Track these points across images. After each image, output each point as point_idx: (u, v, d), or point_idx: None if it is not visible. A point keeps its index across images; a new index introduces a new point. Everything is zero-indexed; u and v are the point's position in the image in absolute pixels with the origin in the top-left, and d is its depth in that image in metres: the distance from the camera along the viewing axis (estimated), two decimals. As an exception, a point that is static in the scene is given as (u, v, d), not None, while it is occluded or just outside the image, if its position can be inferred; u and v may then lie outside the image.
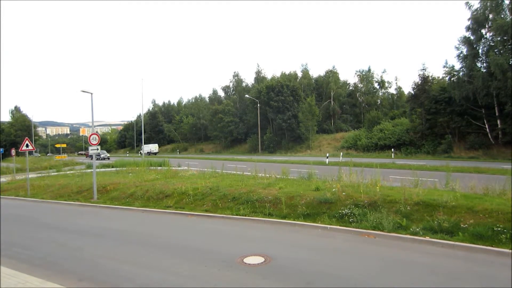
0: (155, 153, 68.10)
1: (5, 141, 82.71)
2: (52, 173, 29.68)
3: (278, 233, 9.62)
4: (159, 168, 25.76)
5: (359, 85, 66.14)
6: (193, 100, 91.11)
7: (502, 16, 32.63)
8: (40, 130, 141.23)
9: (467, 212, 8.94)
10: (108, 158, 50.87)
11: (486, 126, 35.21)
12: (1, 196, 20.18)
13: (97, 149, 17.34)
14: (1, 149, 50.49)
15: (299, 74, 69.78)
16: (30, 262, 7.88)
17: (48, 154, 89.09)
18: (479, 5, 34.31)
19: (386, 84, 65.57)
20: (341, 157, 36.43)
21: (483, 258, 7.22)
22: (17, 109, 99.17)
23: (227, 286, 6.16)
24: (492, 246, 7.53)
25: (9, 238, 10.24)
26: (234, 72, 78.74)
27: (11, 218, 13.76)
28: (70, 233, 10.74)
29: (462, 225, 8.46)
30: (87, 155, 63.12)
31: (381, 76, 65.61)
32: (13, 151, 30.41)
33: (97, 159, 34.63)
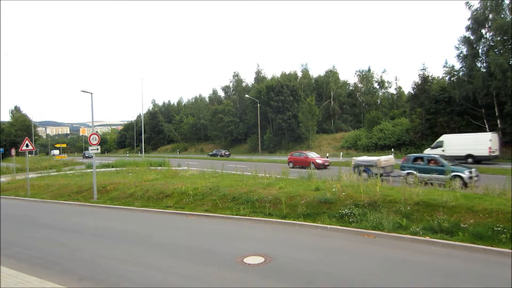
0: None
1: (5, 141, 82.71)
2: (52, 173, 29.69)
3: (278, 233, 9.62)
4: (159, 168, 25.78)
5: (359, 85, 66.06)
6: (193, 100, 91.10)
7: (502, 16, 32.60)
8: (40, 130, 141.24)
9: (467, 212, 8.94)
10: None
11: (486, 126, 35.17)
12: (2, 196, 20.19)
13: (97, 149, 17.31)
14: (1, 149, 50.58)
15: (299, 74, 69.80)
16: (30, 261, 7.88)
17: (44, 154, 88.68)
18: (479, 5, 34.29)
19: (386, 84, 65.53)
20: (341, 157, 36.46)
21: (483, 258, 7.22)
22: (17, 109, 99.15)
23: (227, 286, 6.16)
24: (492, 246, 7.53)
25: (9, 237, 10.25)
26: (234, 72, 78.78)
27: (11, 218, 13.76)
28: (70, 233, 10.75)
29: (462, 225, 8.46)
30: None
31: (381, 76, 65.61)
32: (13, 151, 30.45)
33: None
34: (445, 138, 30.78)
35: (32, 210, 15.85)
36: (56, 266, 7.52)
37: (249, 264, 7.17)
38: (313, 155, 30.49)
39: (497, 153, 27.71)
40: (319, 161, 28.04)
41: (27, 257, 8.27)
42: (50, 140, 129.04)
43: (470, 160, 27.64)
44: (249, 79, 79.87)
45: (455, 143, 29.45)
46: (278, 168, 18.23)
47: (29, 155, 24.15)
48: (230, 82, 77.03)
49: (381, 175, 15.46)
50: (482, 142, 27.70)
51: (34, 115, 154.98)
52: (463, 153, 28.05)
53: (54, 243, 9.50)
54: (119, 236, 10.11)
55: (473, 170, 15.91)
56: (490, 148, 27.05)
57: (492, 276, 6.36)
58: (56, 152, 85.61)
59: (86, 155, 64.60)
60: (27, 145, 19.89)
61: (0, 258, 8.03)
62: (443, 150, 29.11)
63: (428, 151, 30.95)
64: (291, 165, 29.22)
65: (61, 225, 12.09)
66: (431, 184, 12.52)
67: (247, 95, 62.49)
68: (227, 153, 55.34)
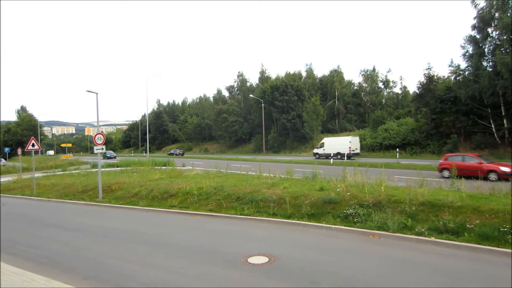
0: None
1: (11, 140, 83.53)
2: (58, 173, 29.90)
3: (282, 233, 9.61)
4: (163, 167, 25.85)
5: (363, 85, 65.76)
6: (198, 100, 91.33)
7: (508, 14, 32.27)
8: (46, 129, 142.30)
9: (473, 213, 8.87)
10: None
11: (492, 126, 34.91)
12: (8, 195, 20.44)
13: (102, 148, 17.40)
14: (8, 149, 51.02)
15: (304, 74, 69.67)
16: (36, 260, 7.94)
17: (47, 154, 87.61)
18: (485, 4, 34.03)
19: (391, 84, 65.07)
20: (345, 157, 36.32)
21: (489, 258, 7.16)
22: (23, 109, 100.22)
23: (231, 286, 6.16)
24: (498, 247, 7.46)
25: (15, 236, 10.34)
26: (239, 72, 78.98)
27: (17, 217, 13.88)
28: (75, 232, 10.81)
29: (468, 226, 8.40)
30: None
31: (386, 76, 65.18)
32: (19, 151, 30.72)
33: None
34: (325, 140, 41.50)
35: (37, 209, 15.97)
36: (61, 265, 7.57)
37: (253, 264, 7.16)
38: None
39: (357, 151, 38.62)
40: (505, 168, 17.75)
41: (33, 255, 8.33)
42: (56, 140, 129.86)
43: (339, 156, 37.61)
44: (253, 79, 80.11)
45: (331, 144, 39.72)
46: (283, 168, 18.20)
47: (36, 155, 24.34)
48: (235, 82, 77.17)
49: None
50: (345, 144, 38.17)
51: (40, 115, 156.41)
52: (335, 151, 38.30)
53: (59, 242, 9.56)
54: (124, 236, 10.15)
55: None
56: (350, 147, 37.66)
57: (497, 277, 6.30)
58: (51, 152, 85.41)
59: (108, 155, 59.82)
60: (33, 145, 20.05)
61: (0, 256, 8.10)
62: (323, 150, 40.07)
63: (315, 150, 41.62)
64: (446, 173, 18.95)
65: (66, 224, 12.16)
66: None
67: (251, 95, 62.53)
68: (181, 152, 64.15)
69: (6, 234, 10.63)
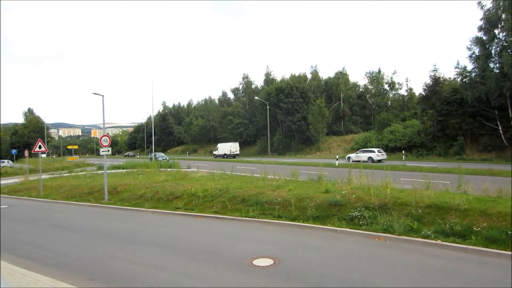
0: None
1: (18, 142, 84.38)
2: (64, 174, 30.11)
3: (287, 235, 9.57)
4: (169, 169, 25.91)
5: (369, 87, 65.54)
6: (203, 102, 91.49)
7: (515, 15, 32.04)
8: (53, 131, 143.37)
9: (480, 215, 8.78)
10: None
11: (499, 128, 34.59)
12: (15, 197, 20.63)
13: (108, 150, 17.46)
14: (15, 150, 51.48)
15: (309, 76, 69.57)
16: (42, 261, 7.99)
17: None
18: (491, 5, 33.81)
19: (397, 86, 64.81)
20: (351, 160, 36.20)
21: (496, 262, 7.07)
22: (30, 111, 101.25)
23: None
24: (506, 250, 7.37)
25: (21, 237, 10.42)
26: (244, 74, 79.29)
27: (24, 218, 13.99)
28: (80, 233, 10.86)
29: (475, 229, 8.30)
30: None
31: (392, 78, 64.94)
32: (26, 152, 31.00)
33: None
34: (219, 145, 58.65)
35: (44, 210, 16.08)
36: (67, 266, 7.61)
37: (258, 266, 7.15)
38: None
39: (236, 152, 55.54)
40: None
41: (38, 256, 8.38)
42: (62, 142, 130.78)
43: (225, 156, 54.53)
44: (258, 81, 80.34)
45: (221, 148, 56.97)
46: (288, 170, 18.18)
47: (42, 156, 24.54)
48: (240, 84, 77.24)
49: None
50: (228, 148, 55.58)
51: (47, 117, 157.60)
52: (223, 152, 55.77)
53: (65, 243, 9.61)
54: (129, 237, 10.18)
55: None
56: (230, 150, 54.79)
57: (504, 281, 6.22)
58: (43, 155, 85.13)
59: (158, 157, 47.89)
60: (40, 147, 20.21)
61: (0, 255, 8.17)
62: (218, 151, 56.99)
63: (214, 152, 58.45)
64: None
65: (72, 225, 12.23)
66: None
67: (256, 97, 62.52)
68: (132, 154, 79.69)
69: (12, 235, 10.73)
